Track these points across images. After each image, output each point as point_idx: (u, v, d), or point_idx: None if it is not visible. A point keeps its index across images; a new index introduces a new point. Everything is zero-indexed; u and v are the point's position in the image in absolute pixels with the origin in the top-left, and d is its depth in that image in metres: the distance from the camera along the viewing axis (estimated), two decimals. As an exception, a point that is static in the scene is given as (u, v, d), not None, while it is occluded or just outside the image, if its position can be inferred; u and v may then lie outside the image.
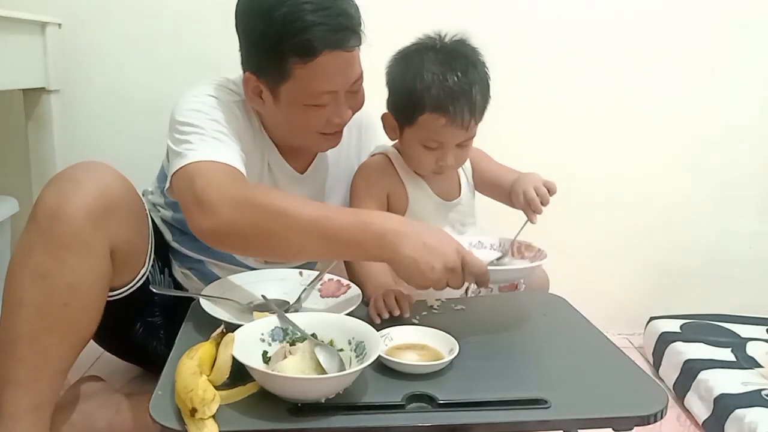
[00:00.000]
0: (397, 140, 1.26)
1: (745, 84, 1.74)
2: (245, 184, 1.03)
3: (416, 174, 1.27)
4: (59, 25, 1.52)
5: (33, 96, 1.49)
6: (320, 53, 1.03)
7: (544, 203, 1.15)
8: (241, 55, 1.14)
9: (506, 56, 1.65)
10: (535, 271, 1.13)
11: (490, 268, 0.97)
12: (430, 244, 0.93)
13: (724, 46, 1.71)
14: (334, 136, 1.17)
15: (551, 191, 1.17)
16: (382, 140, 1.31)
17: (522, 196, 1.17)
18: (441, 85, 1.12)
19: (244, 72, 1.13)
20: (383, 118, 1.23)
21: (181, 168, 1.02)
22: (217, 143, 1.06)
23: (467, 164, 1.33)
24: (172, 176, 1.04)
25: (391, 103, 1.22)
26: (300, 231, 0.94)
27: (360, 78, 1.13)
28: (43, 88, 1.48)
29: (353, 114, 1.15)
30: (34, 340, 0.90)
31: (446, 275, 0.94)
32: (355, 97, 1.15)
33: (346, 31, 1.05)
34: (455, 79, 1.12)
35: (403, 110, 1.17)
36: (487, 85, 1.18)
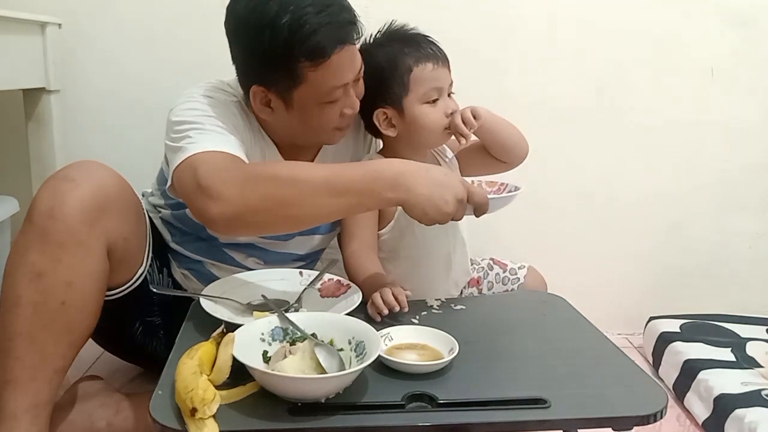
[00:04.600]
0: (395, 135, 1.24)
1: (746, 84, 1.73)
2: (246, 165, 1.04)
3: None
4: (59, 25, 1.52)
5: (33, 96, 1.49)
6: (332, 53, 1.05)
7: (467, 126, 1.18)
8: (241, 70, 1.13)
9: (504, 56, 1.66)
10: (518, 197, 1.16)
11: (489, 196, 1.02)
12: (439, 179, 0.97)
13: (724, 46, 1.71)
14: (345, 127, 1.19)
15: (474, 116, 1.18)
16: None
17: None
18: (412, 46, 1.19)
19: (247, 86, 1.12)
20: (376, 116, 1.22)
21: (182, 161, 1.01)
22: (216, 135, 1.06)
23: (453, 160, 1.33)
24: (174, 171, 1.03)
25: (378, 93, 1.21)
26: (313, 192, 0.95)
27: (362, 66, 1.14)
28: (43, 88, 1.48)
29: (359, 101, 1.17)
30: (32, 340, 0.90)
31: (457, 207, 0.97)
32: (358, 85, 1.16)
33: (349, 25, 1.07)
34: (418, 40, 1.21)
35: (395, 83, 1.19)
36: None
